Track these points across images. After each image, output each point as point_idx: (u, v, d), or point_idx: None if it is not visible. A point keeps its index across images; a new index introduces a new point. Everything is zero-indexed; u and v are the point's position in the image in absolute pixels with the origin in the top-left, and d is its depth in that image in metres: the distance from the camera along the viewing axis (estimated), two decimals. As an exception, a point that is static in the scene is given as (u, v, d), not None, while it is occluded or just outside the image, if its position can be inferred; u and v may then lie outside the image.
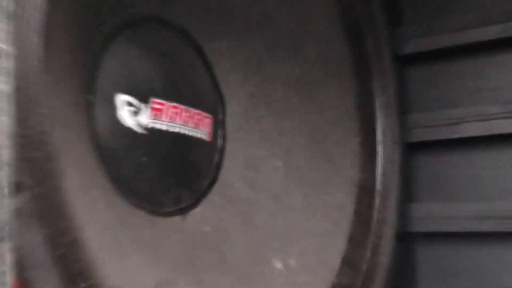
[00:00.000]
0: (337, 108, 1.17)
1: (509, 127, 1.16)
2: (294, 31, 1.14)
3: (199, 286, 0.91)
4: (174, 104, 0.96)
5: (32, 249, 0.55)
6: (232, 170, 1.09)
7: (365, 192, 1.15)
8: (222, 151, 1.09)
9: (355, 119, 1.17)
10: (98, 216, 0.76)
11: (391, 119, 1.20)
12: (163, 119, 0.94)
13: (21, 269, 0.53)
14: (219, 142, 1.09)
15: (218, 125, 1.09)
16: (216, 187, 1.07)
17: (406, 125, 1.25)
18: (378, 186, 1.15)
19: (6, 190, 0.35)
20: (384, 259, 1.13)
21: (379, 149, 1.17)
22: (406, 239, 1.24)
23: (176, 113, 0.96)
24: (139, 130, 0.90)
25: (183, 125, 0.97)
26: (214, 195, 1.06)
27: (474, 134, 1.19)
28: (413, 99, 1.29)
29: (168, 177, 0.98)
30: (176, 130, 0.96)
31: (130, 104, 0.89)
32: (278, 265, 1.03)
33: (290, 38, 1.14)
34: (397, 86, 1.24)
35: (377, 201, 1.14)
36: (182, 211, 1.00)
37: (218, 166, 1.08)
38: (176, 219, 0.98)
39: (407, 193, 1.25)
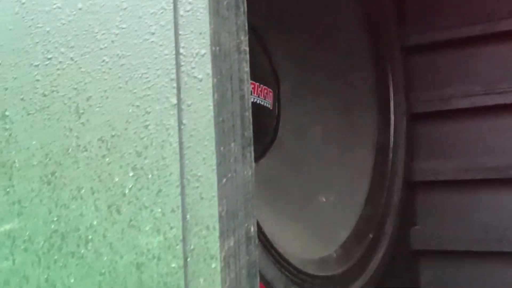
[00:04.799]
0: (359, 88, 1.55)
1: (488, 101, 1.56)
2: (329, 28, 1.51)
3: (272, 210, 1.29)
4: (252, 81, 1.33)
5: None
6: (285, 132, 1.47)
7: (381, 150, 1.54)
8: (278, 118, 1.47)
9: (373, 96, 1.56)
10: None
11: (400, 95, 1.59)
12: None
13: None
14: (277, 111, 1.46)
15: (276, 98, 1.46)
16: (275, 145, 1.45)
17: (410, 100, 1.64)
18: (391, 145, 1.54)
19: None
20: (396, 198, 1.52)
21: (392, 118, 1.56)
22: (410, 186, 1.64)
23: (253, 88, 1.33)
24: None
25: (257, 96, 1.34)
26: (273, 150, 1.44)
27: (461, 107, 1.59)
28: (415, 80, 1.69)
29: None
30: (254, 100, 1.33)
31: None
32: (323, 199, 1.42)
33: (326, 33, 1.51)
34: (403, 71, 1.62)
35: (390, 156, 1.53)
36: (255, 159, 1.37)
37: (276, 129, 1.46)
38: (251, 165, 1.35)
39: (411, 151, 1.64)
